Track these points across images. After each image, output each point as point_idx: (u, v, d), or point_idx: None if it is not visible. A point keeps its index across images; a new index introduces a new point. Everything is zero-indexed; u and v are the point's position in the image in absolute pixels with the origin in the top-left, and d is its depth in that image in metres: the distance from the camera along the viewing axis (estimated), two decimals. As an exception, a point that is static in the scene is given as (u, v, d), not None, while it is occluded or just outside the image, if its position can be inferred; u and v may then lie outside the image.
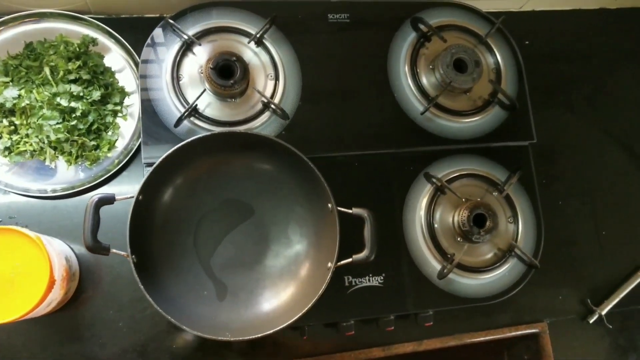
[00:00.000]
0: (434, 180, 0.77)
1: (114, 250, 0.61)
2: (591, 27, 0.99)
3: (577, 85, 0.96)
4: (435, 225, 0.77)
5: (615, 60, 0.98)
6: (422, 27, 0.82)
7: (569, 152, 0.92)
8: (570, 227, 0.89)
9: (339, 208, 0.65)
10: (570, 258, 0.88)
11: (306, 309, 0.62)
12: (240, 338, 0.61)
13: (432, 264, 0.76)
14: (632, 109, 0.97)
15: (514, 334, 0.82)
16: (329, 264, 0.64)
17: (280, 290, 0.70)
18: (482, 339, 0.81)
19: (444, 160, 0.80)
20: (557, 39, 0.97)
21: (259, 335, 0.61)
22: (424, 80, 0.82)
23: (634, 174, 0.94)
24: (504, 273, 0.78)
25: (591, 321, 0.86)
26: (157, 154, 0.65)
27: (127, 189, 0.75)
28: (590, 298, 0.87)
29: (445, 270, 0.74)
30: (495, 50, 0.85)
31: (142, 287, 0.59)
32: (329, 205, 0.65)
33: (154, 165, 0.63)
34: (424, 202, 0.78)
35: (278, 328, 0.61)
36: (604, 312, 0.86)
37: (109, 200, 0.61)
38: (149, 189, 0.63)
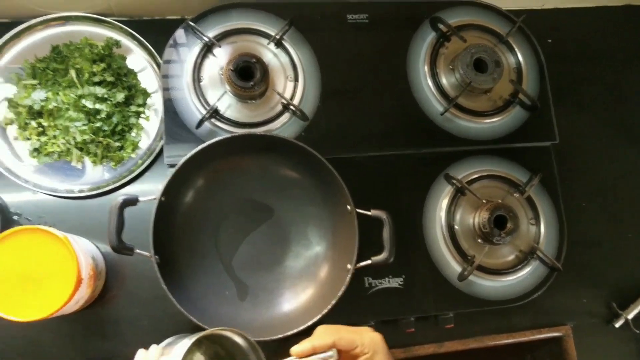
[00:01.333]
0: (454, 181, 0.77)
1: (138, 251, 0.62)
2: (616, 24, 0.96)
3: (601, 83, 0.93)
4: (456, 227, 0.77)
5: (641, 58, 0.96)
6: (441, 26, 0.81)
7: (592, 151, 0.90)
8: (595, 229, 0.87)
9: (358, 210, 0.65)
10: (594, 260, 0.86)
11: (326, 310, 0.62)
12: (261, 339, 0.62)
13: (453, 265, 0.75)
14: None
15: (536, 337, 0.80)
16: (348, 266, 0.64)
17: (300, 292, 0.70)
18: (504, 341, 0.79)
19: (464, 161, 0.80)
20: (580, 36, 0.94)
21: (279, 336, 0.61)
22: (444, 81, 0.81)
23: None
24: (525, 275, 0.77)
25: (617, 325, 0.84)
26: (179, 155, 0.66)
27: (150, 188, 0.77)
28: (616, 301, 0.85)
29: (465, 272, 0.73)
30: (516, 49, 0.83)
31: (164, 287, 0.60)
32: (348, 207, 0.66)
33: (176, 167, 0.63)
34: (444, 203, 0.77)
35: (298, 329, 0.61)
36: (630, 316, 0.83)
37: (132, 201, 0.63)
38: (172, 191, 0.64)
